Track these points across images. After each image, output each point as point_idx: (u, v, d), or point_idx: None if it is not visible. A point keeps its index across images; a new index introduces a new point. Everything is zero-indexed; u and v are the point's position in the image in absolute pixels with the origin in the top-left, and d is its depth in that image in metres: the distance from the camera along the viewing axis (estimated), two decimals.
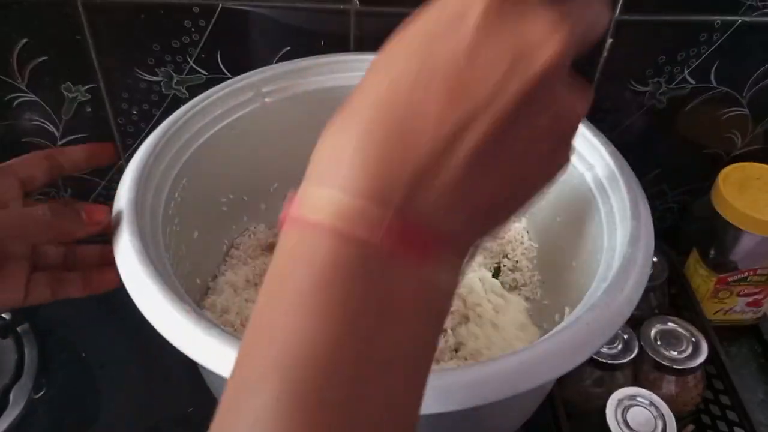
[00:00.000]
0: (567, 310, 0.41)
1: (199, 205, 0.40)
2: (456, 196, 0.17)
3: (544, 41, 0.17)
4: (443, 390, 0.26)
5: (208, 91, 0.41)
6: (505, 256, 0.48)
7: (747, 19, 0.47)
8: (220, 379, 0.27)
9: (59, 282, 0.33)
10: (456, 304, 0.44)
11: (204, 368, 0.27)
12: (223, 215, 0.44)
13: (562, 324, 0.30)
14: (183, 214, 0.38)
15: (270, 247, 0.48)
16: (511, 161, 0.18)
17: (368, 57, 0.45)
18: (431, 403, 0.25)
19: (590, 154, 0.39)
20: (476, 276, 0.45)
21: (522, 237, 0.47)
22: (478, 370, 0.26)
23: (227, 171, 0.42)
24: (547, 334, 0.29)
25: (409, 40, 0.18)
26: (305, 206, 0.18)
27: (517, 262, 0.47)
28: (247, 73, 0.42)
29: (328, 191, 0.17)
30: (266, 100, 0.43)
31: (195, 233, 0.40)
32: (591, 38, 0.19)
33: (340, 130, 0.18)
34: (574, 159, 0.40)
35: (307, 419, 0.16)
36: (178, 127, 0.38)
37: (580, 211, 0.40)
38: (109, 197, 0.57)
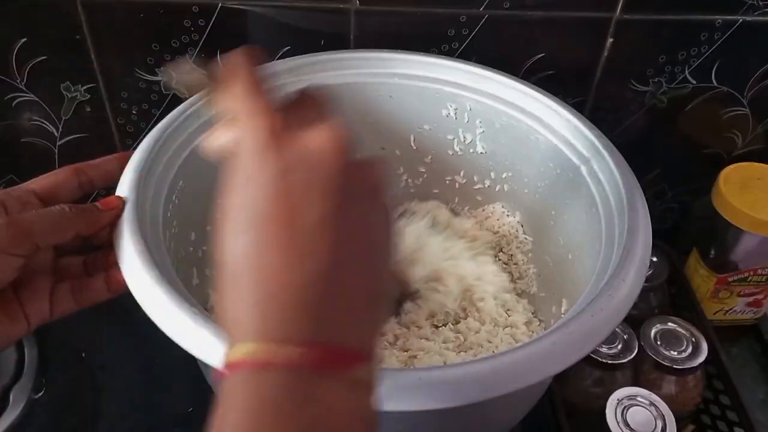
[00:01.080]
0: (564, 302, 0.41)
1: (196, 208, 0.40)
2: (336, 304, 0.20)
3: (324, 146, 0.21)
4: (448, 385, 0.26)
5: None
6: (500, 250, 0.48)
7: (748, 18, 0.47)
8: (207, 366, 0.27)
9: (82, 290, 0.33)
10: (456, 298, 0.44)
11: (211, 367, 0.27)
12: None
13: (566, 316, 0.30)
14: (181, 216, 0.38)
15: None
16: (359, 242, 0.21)
17: (365, 54, 0.45)
18: (435, 399, 0.25)
19: (585, 147, 0.39)
20: (488, 270, 0.45)
21: (516, 231, 0.47)
22: (485, 365, 0.26)
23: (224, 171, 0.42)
24: (552, 327, 0.29)
25: (237, 197, 0.21)
26: (228, 356, 0.20)
27: (512, 255, 0.47)
28: None
29: (241, 345, 0.19)
30: None
31: (192, 235, 0.40)
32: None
33: (231, 300, 0.21)
34: (569, 152, 0.40)
35: None
36: (174, 129, 0.38)
37: (576, 204, 0.40)
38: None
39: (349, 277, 0.21)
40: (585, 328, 0.28)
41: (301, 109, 0.23)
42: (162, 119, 0.39)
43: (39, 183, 0.33)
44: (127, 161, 0.35)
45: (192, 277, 0.41)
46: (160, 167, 0.36)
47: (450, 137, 0.47)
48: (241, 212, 0.21)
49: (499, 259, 0.47)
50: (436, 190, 0.50)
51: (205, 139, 0.25)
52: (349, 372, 0.20)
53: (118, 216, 0.32)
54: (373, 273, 0.22)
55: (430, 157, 0.49)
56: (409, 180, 0.50)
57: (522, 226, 0.47)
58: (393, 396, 0.25)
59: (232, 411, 0.19)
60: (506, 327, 0.43)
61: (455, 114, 0.46)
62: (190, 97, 0.26)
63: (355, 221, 0.21)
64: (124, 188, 0.34)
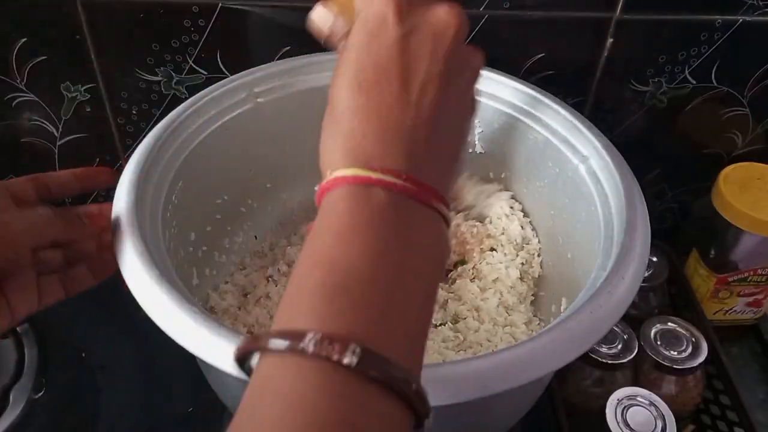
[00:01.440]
0: (564, 301, 0.41)
1: (196, 208, 0.40)
2: (433, 149, 0.24)
3: (449, 20, 0.24)
4: (447, 383, 0.26)
5: (201, 93, 0.41)
6: (497, 250, 0.48)
7: (748, 18, 0.47)
8: (227, 378, 0.27)
9: (68, 280, 0.33)
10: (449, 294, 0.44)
11: (211, 367, 0.27)
12: (219, 216, 0.44)
13: (565, 314, 0.30)
14: (180, 216, 0.38)
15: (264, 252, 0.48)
16: (453, 109, 0.25)
17: None
18: (436, 395, 0.25)
19: (584, 146, 0.39)
20: (503, 269, 0.45)
21: (515, 231, 0.47)
22: (484, 362, 0.26)
23: (222, 172, 0.42)
24: (551, 324, 0.29)
25: (355, 52, 0.24)
26: (335, 173, 0.23)
27: (506, 254, 0.47)
28: (240, 73, 0.42)
29: (344, 169, 0.23)
30: (259, 100, 0.42)
31: (192, 235, 0.40)
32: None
33: (334, 134, 0.24)
34: (568, 151, 0.40)
35: (348, 304, 0.20)
36: (173, 130, 0.38)
37: (575, 203, 0.40)
38: (108, 197, 0.57)
39: (443, 134, 0.24)
40: (584, 326, 0.28)
41: None
42: (162, 119, 0.39)
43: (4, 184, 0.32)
44: (92, 175, 0.35)
45: (192, 277, 0.41)
46: (160, 167, 0.36)
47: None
48: (358, 62, 0.24)
49: (501, 261, 0.47)
50: None
51: (313, 12, 0.27)
52: (435, 205, 0.23)
53: (102, 229, 0.33)
54: (460, 137, 0.26)
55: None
56: None
57: (521, 226, 0.47)
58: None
59: (334, 216, 0.22)
60: (506, 326, 0.43)
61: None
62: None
63: (454, 90, 0.25)
64: (123, 188, 0.34)
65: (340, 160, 0.23)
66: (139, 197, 0.34)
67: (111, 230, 0.33)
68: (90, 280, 0.34)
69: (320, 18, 0.27)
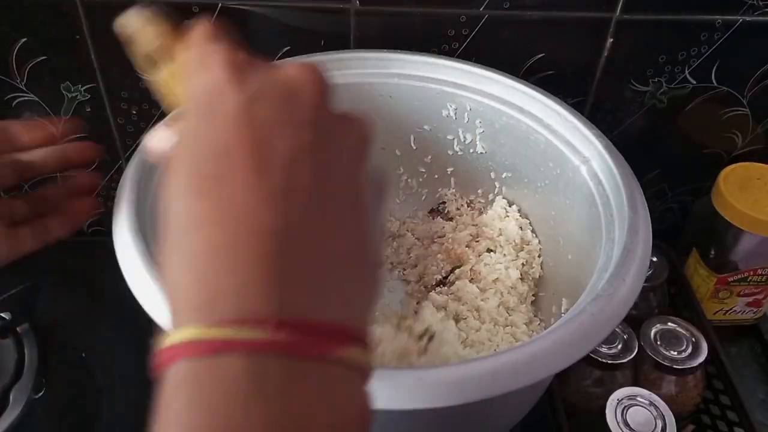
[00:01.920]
0: (564, 302, 0.41)
1: None
2: (319, 261, 0.16)
3: (302, 77, 0.18)
4: (448, 385, 0.26)
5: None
6: (496, 251, 0.48)
7: (748, 18, 0.47)
8: None
9: (40, 229, 0.33)
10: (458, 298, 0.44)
11: None
12: None
13: (567, 315, 0.30)
14: None
15: None
16: (343, 192, 0.17)
17: (364, 54, 0.45)
18: (439, 397, 0.25)
19: (585, 148, 0.39)
20: (505, 270, 0.45)
21: (516, 232, 0.47)
22: (485, 364, 0.26)
23: None
24: (553, 326, 0.29)
25: (186, 143, 0.18)
26: (170, 338, 0.15)
27: (505, 255, 0.47)
28: None
29: (183, 330, 0.15)
30: None
31: None
32: None
33: (173, 266, 0.16)
34: (569, 152, 0.40)
35: None
36: None
37: (576, 204, 0.40)
38: (109, 197, 0.57)
39: (335, 231, 0.17)
40: (585, 328, 0.28)
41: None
42: (162, 119, 0.39)
43: None
44: (76, 151, 0.35)
45: None
46: (160, 168, 0.36)
47: (450, 137, 0.47)
48: (192, 156, 0.17)
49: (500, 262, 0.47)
50: (436, 190, 0.51)
51: (147, 137, 0.21)
52: (335, 354, 0.15)
53: (70, 177, 0.32)
54: (360, 231, 0.18)
55: (430, 157, 0.49)
56: (409, 180, 0.50)
57: (520, 227, 0.47)
58: (393, 396, 0.25)
59: (172, 413, 0.15)
60: (506, 326, 0.43)
61: (455, 114, 0.46)
62: (133, 46, 0.24)
63: (337, 166, 0.17)
64: (125, 189, 0.34)
65: (182, 311, 0.16)
66: (141, 197, 0.34)
67: (81, 178, 0.33)
68: (61, 230, 0.34)
69: (160, 141, 0.21)
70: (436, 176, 0.50)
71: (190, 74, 0.19)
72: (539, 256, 0.46)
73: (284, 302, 0.15)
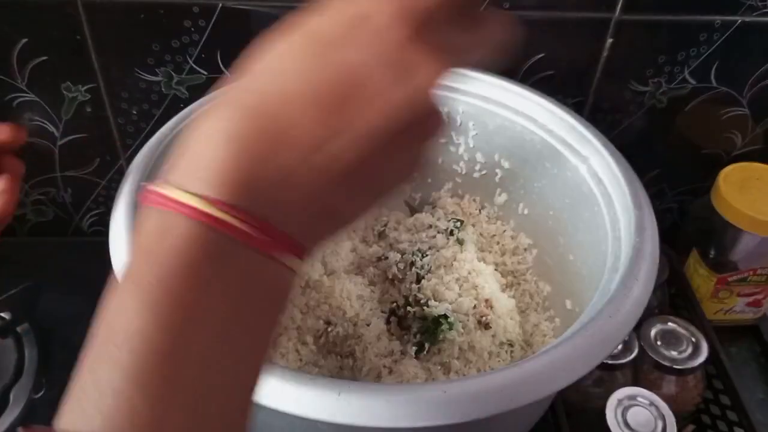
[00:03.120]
0: (568, 303, 0.41)
1: None
2: (309, 201, 0.18)
3: (425, 66, 0.18)
4: (472, 397, 0.25)
5: (194, 105, 0.40)
6: (494, 252, 0.48)
7: (747, 19, 0.47)
8: None
9: None
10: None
11: None
12: None
13: (582, 319, 0.30)
14: None
15: None
16: (368, 174, 0.19)
17: None
18: (461, 413, 0.25)
19: (583, 147, 0.39)
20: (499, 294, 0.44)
21: (513, 232, 0.47)
22: (507, 375, 0.26)
23: None
24: (570, 330, 0.29)
25: (306, 39, 0.18)
26: (169, 188, 0.17)
27: (503, 255, 0.47)
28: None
29: (194, 181, 0.17)
30: None
31: None
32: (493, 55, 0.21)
33: (217, 121, 0.18)
34: (566, 152, 0.40)
35: (150, 396, 0.16)
36: (166, 144, 0.38)
37: (576, 204, 0.40)
38: (109, 197, 0.57)
39: (346, 187, 0.18)
40: (605, 330, 0.28)
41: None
42: (162, 120, 0.39)
43: None
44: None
45: None
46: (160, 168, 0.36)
47: (442, 140, 0.47)
48: (314, 39, 0.18)
49: (497, 265, 0.47)
50: (430, 194, 0.50)
51: None
52: (284, 255, 0.18)
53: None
54: (365, 200, 0.20)
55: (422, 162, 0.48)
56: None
57: (515, 228, 0.47)
58: (419, 412, 0.25)
59: (155, 254, 0.17)
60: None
61: (447, 117, 0.46)
62: None
63: (388, 153, 0.18)
64: (122, 201, 0.34)
65: (195, 162, 0.18)
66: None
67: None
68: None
69: None
70: (429, 180, 0.49)
71: None
72: (537, 257, 0.46)
73: (265, 205, 0.17)
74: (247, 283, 0.17)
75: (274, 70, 0.18)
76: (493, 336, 0.41)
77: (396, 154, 0.19)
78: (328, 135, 0.17)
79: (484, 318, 0.41)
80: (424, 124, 0.19)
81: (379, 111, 0.18)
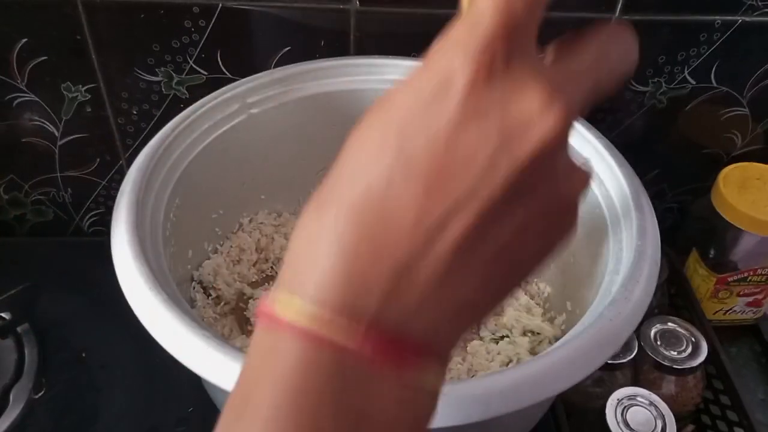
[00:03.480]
0: (568, 304, 0.41)
1: (192, 224, 0.40)
2: (437, 297, 0.16)
3: (536, 119, 0.15)
4: (475, 398, 0.25)
5: (193, 106, 0.40)
6: None
7: (747, 18, 0.47)
8: (222, 391, 0.27)
9: None
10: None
11: (212, 385, 0.27)
12: (214, 231, 0.44)
13: (584, 321, 0.30)
14: (179, 234, 0.37)
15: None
16: (499, 253, 0.16)
17: (356, 61, 0.45)
18: (467, 413, 0.25)
19: (584, 148, 0.39)
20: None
21: None
22: (510, 376, 0.26)
23: (217, 186, 0.42)
24: (570, 333, 0.29)
25: (388, 119, 0.16)
26: (278, 306, 0.16)
27: None
28: (232, 84, 0.42)
29: (299, 299, 0.16)
30: (252, 111, 0.42)
31: (189, 253, 0.40)
32: (611, 86, 0.18)
33: (314, 230, 0.16)
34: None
35: None
36: (167, 145, 0.37)
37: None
38: (109, 197, 0.58)
39: (477, 271, 0.16)
40: (605, 332, 0.28)
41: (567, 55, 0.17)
42: (163, 120, 0.39)
43: None
44: None
45: (188, 294, 0.41)
46: (156, 186, 0.36)
47: None
48: (396, 118, 0.16)
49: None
50: None
51: None
52: (409, 371, 0.16)
53: None
54: (504, 277, 0.17)
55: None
56: None
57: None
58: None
59: (267, 379, 0.16)
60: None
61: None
62: None
63: (519, 225, 0.16)
64: (122, 210, 0.33)
65: (298, 277, 0.16)
66: (139, 217, 0.33)
67: None
68: None
69: None
70: None
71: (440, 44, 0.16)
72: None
73: (383, 311, 0.15)
74: (362, 404, 0.15)
75: (368, 160, 0.16)
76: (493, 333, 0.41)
77: (526, 227, 0.16)
78: (439, 211, 0.15)
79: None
80: (551, 188, 0.16)
81: (479, 181, 0.15)
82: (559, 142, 0.16)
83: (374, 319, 0.15)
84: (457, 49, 0.16)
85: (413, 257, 0.15)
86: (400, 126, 0.16)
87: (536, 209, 0.16)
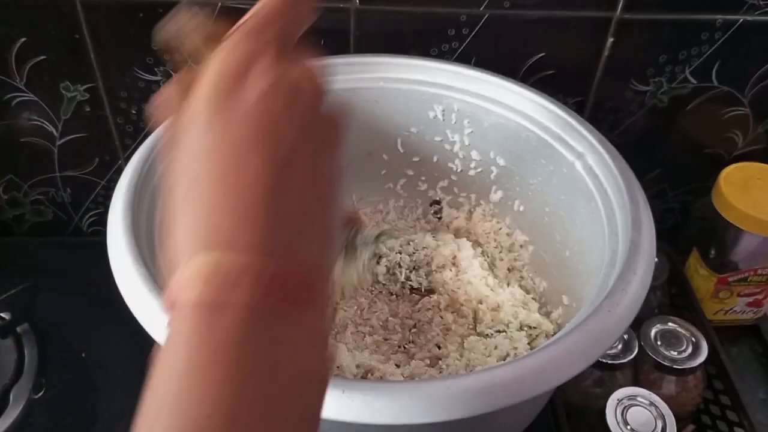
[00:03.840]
0: (565, 298, 0.41)
1: None
2: (279, 217, 0.19)
3: (307, 77, 0.21)
4: (476, 392, 0.26)
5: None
6: (483, 246, 0.48)
7: (749, 18, 0.47)
8: None
9: None
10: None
11: None
12: None
13: (582, 313, 0.30)
14: None
15: None
16: (303, 176, 0.20)
17: (349, 60, 0.45)
18: (465, 408, 0.25)
19: (578, 143, 0.39)
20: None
21: (509, 228, 0.47)
22: (509, 369, 0.26)
23: None
24: (569, 325, 0.29)
25: (203, 124, 0.21)
26: (173, 288, 0.19)
27: (497, 253, 0.47)
28: None
29: (189, 270, 0.18)
30: None
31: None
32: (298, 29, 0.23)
33: (178, 224, 0.20)
34: (561, 148, 0.40)
35: None
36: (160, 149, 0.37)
37: (573, 200, 0.40)
38: (108, 197, 0.57)
39: (295, 194, 0.20)
40: (603, 325, 0.28)
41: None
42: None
43: None
44: None
45: None
46: (150, 188, 0.36)
47: (438, 139, 0.47)
48: (207, 138, 0.20)
49: (493, 260, 0.47)
50: (426, 192, 0.50)
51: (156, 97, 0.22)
52: (305, 311, 0.18)
53: None
54: (330, 211, 0.21)
55: (417, 159, 0.48)
56: (397, 183, 0.50)
57: (510, 225, 0.47)
58: (422, 409, 0.25)
59: (179, 354, 0.18)
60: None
61: (442, 115, 0.45)
62: (179, 60, 0.24)
63: (311, 151, 0.21)
64: (117, 215, 0.33)
65: (179, 255, 0.19)
66: (135, 221, 0.33)
67: None
68: None
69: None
70: (424, 178, 0.49)
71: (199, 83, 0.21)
72: (533, 253, 0.45)
73: (279, 246, 0.19)
74: (266, 352, 0.18)
75: (190, 150, 0.21)
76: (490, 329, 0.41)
77: (315, 154, 0.21)
78: (276, 163, 0.19)
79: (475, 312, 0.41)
80: (323, 123, 0.21)
81: (295, 125, 0.20)
82: (323, 89, 0.21)
83: (251, 263, 0.18)
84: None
85: (253, 198, 0.19)
86: (217, 123, 0.20)
87: (329, 142, 0.22)
